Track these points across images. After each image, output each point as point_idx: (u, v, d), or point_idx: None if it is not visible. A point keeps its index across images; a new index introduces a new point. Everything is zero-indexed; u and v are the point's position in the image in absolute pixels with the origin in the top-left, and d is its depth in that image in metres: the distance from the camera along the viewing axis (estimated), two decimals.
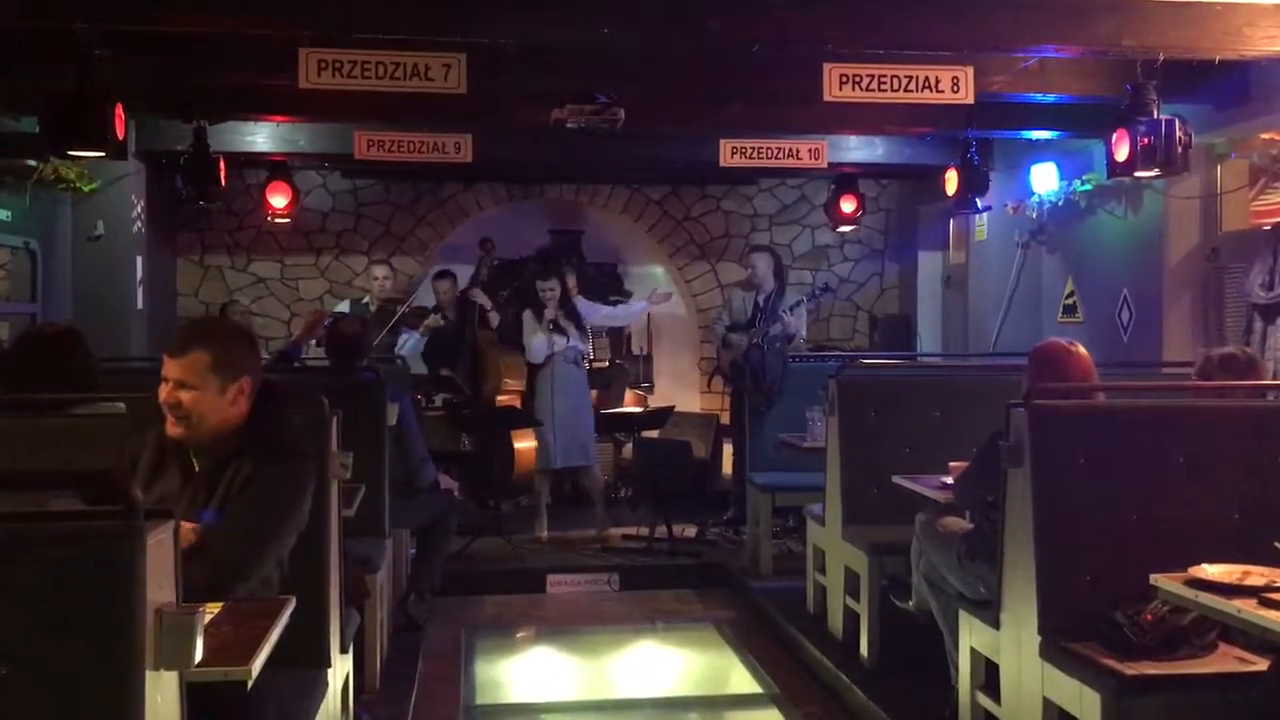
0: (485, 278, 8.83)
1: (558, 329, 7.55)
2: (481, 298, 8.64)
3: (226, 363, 2.89)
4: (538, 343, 7.58)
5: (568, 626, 6.46)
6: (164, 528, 1.96)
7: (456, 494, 6.35)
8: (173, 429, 2.88)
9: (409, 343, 8.54)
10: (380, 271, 8.91)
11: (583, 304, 7.97)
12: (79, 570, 1.84)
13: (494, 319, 8.76)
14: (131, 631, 1.83)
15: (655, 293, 8.61)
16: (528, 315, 7.69)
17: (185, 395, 2.85)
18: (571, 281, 8.27)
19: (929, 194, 9.32)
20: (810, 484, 5.86)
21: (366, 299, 8.80)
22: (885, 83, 5.32)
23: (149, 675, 1.85)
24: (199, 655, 1.95)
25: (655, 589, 6.94)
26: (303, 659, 3.20)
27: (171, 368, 2.86)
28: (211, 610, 2.51)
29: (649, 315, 9.76)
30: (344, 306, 8.62)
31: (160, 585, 1.92)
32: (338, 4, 4.78)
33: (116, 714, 1.81)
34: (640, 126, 6.60)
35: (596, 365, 8.68)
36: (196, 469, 2.91)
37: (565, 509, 7.99)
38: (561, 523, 7.74)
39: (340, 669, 3.64)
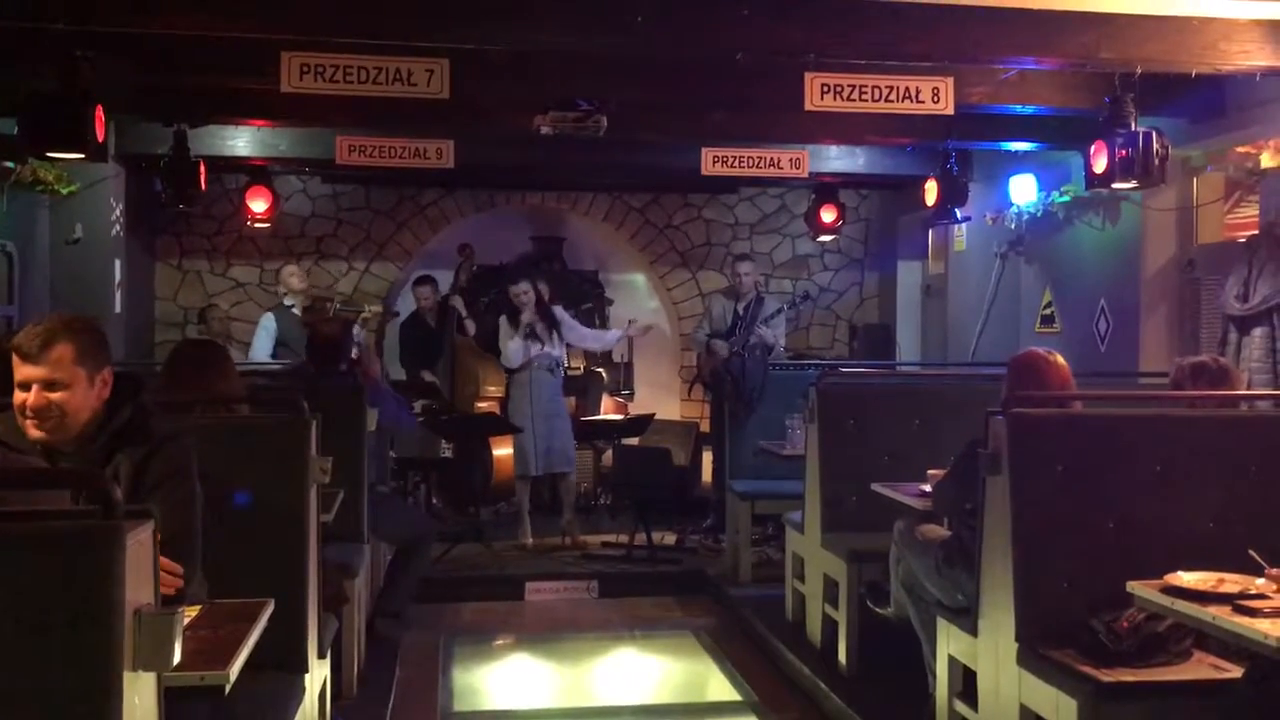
0: (465, 284, 8.80)
1: (533, 335, 7.52)
2: (459, 304, 8.61)
3: (90, 353, 2.78)
4: (514, 347, 7.53)
5: (546, 633, 6.45)
6: (143, 528, 1.95)
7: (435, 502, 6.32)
8: (37, 432, 2.75)
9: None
10: (294, 270, 8.55)
11: (565, 319, 7.90)
12: (58, 570, 1.83)
13: (470, 327, 8.73)
14: (110, 632, 1.82)
15: (633, 325, 8.28)
16: (504, 320, 7.66)
17: (55, 395, 2.73)
18: (544, 290, 8.26)
19: (909, 204, 9.37)
20: (790, 491, 5.88)
21: (290, 303, 8.37)
22: (866, 93, 5.35)
23: (127, 676, 1.85)
24: (178, 656, 1.95)
25: (634, 596, 6.93)
26: (281, 664, 3.19)
27: (32, 370, 2.72)
28: (190, 613, 2.50)
29: (629, 322, 9.77)
30: (270, 316, 8.27)
31: (139, 586, 1.92)
32: (320, 7, 4.77)
33: (94, 714, 1.80)
34: (622, 134, 6.61)
35: (571, 373, 8.67)
36: None
37: (544, 516, 7.97)
38: (539, 529, 7.73)
39: (318, 674, 3.63)
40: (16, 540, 1.85)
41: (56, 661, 1.80)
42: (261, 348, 8.09)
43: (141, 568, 1.93)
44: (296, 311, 8.29)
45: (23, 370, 2.74)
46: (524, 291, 7.57)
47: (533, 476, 7.65)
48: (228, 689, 2.32)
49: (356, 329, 7.27)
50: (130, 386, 2.92)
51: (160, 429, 2.92)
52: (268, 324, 8.19)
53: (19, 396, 2.75)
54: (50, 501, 2.11)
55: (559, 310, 7.89)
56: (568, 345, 7.85)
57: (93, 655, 1.81)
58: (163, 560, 2.59)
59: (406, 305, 9.34)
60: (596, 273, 10.45)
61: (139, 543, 1.91)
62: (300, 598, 3.36)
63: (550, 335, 7.56)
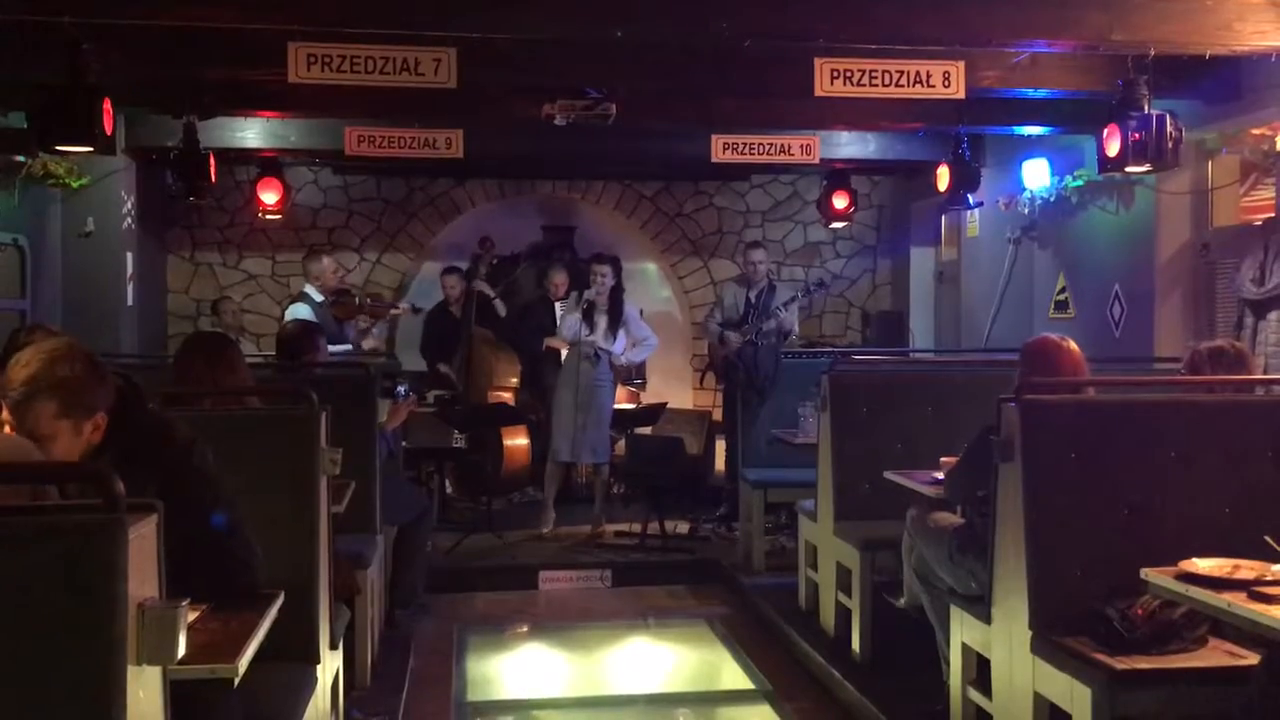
0: (484, 275, 8.83)
1: (589, 317, 7.48)
2: (486, 287, 8.62)
3: (76, 405, 2.53)
4: (569, 321, 7.53)
5: (560, 623, 6.45)
6: (146, 521, 1.95)
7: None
8: None
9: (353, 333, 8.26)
10: (328, 263, 8.11)
11: (633, 317, 7.83)
12: (60, 564, 1.82)
13: (500, 307, 8.75)
14: (113, 626, 1.81)
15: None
16: (574, 294, 7.64)
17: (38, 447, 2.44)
18: (561, 279, 8.25)
19: (921, 190, 9.32)
20: (802, 480, 5.86)
21: (319, 296, 7.94)
22: (876, 78, 5.31)
23: (131, 670, 1.84)
24: (182, 650, 1.94)
25: (648, 585, 6.93)
26: (292, 655, 3.18)
27: (12, 413, 2.49)
28: (197, 607, 2.50)
29: (640, 311, 9.79)
30: (302, 306, 7.87)
31: (142, 579, 1.91)
32: None
33: (98, 710, 1.79)
34: (632, 122, 6.59)
35: None
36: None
37: (557, 505, 7.97)
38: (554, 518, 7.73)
39: (330, 665, 3.63)
40: (19, 534, 1.85)
41: (60, 656, 1.80)
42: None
43: (145, 561, 1.93)
44: (325, 304, 8.13)
45: (6, 411, 2.52)
46: (604, 274, 7.54)
47: (564, 463, 7.64)
48: (237, 681, 2.31)
49: (402, 388, 6.84)
50: (136, 397, 2.77)
51: (179, 429, 2.85)
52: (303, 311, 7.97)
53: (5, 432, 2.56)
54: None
55: (633, 313, 7.81)
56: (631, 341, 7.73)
57: (96, 650, 1.80)
58: None
59: (433, 297, 9.32)
60: None
61: (142, 536, 1.90)
62: (312, 589, 3.36)
63: (601, 323, 7.49)
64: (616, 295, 7.61)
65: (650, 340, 7.91)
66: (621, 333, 7.62)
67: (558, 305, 7.98)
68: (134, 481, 2.63)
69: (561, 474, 7.83)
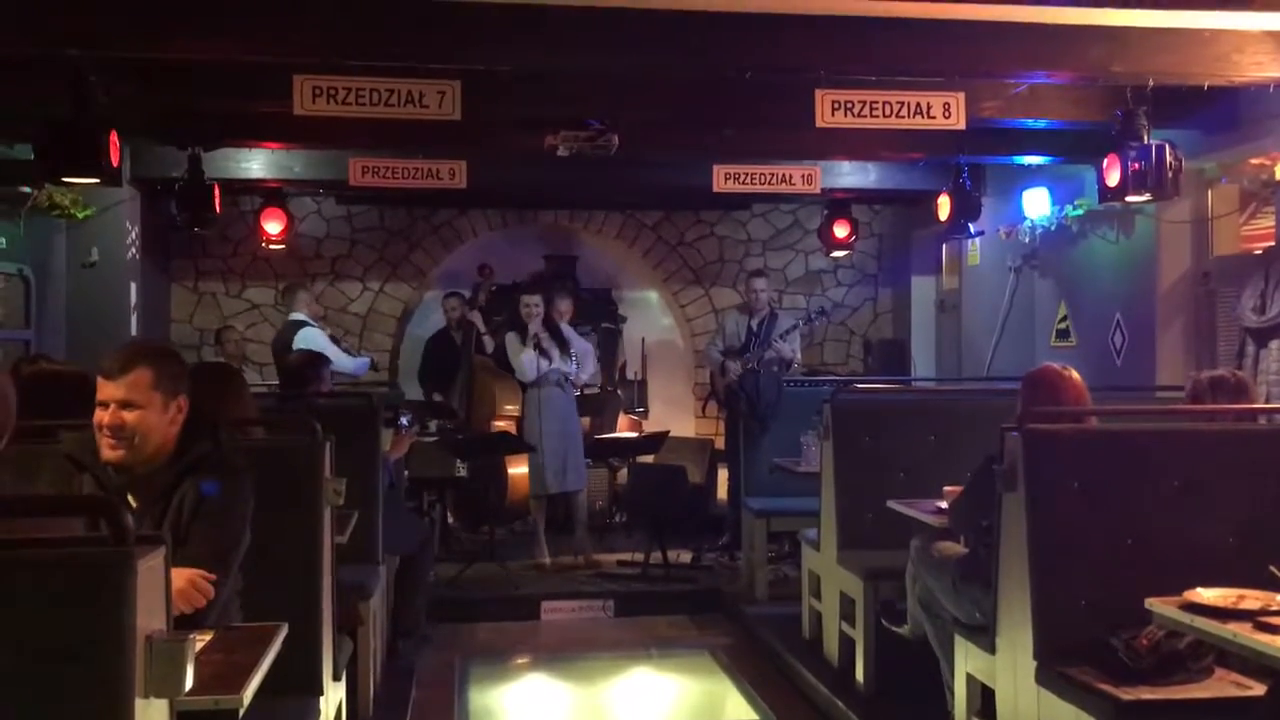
0: (483, 303, 8.85)
1: (541, 349, 7.49)
2: (478, 320, 8.64)
3: (167, 379, 2.92)
4: (526, 359, 7.46)
5: (562, 653, 6.42)
6: (155, 554, 1.95)
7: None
8: (112, 452, 2.86)
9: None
10: (304, 296, 8.36)
11: (572, 336, 7.84)
12: (69, 597, 1.82)
13: (488, 344, 8.76)
14: (122, 659, 1.81)
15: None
16: (511, 335, 7.63)
17: (130, 415, 2.85)
18: (566, 307, 8.25)
19: (922, 219, 9.36)
20: (805, 509, 5.85)
21: (313, 324, 8.21)
22: (877, 109, 5.35)
23: (139, 703, 1.84)
24: (190, 683, 1.94)
25: (650, 615, 6.90)
26: (296, 686, 3.18)
27: (112, 389, 2.87)
28: (203, 638, 2.50)
29: (643, 339, 9.82)
30: (312, 330, 8.03)
31: (151, 612, 1.91)
32: (333, 31, 4.79)
33: None
34: (634, 152, 6.63)
35: (589, 391, 8.65)
36: (134, 505, 2.86)
37: (559, 535, 7.96)
38: (554, 549, 7.71)
39: (333, 696, 3.62)
40: (28, 567, 1.85)
41: (68, 689, 1.80)
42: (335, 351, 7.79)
43: (153, 594, 1.93)
44: (325, 331, 8.22)
45: (103, 389, 2.88)
46: (534, 303, 7.51)
47: (548, 495, 7.64)
48: (241, 713, 2.31)
49: (405, 418, 6.73)
50: (209, 425, 3.03)
51: (235, 463, 3.00)
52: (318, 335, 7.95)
53: (98, 414, 2.87)
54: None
55: (566, 328, 7.83)
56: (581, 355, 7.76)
57: (104, 683, 1.80)
58: (197, 574, 2.70)
59: (434, 323, 9.36)
60: (610, 291, 10.46)
61: (151, 569, 1.91)
62: (315, 620, 3.36)
63: (556, 349, 7.51)
64: (551, 321, 7.61)
65: (590, 349, 7.96)
66: (573, 351, 7.63)
67: (563, 328, 7.94)
68: (187, 484, 2.87)
69: (545, 505, 7.78)
